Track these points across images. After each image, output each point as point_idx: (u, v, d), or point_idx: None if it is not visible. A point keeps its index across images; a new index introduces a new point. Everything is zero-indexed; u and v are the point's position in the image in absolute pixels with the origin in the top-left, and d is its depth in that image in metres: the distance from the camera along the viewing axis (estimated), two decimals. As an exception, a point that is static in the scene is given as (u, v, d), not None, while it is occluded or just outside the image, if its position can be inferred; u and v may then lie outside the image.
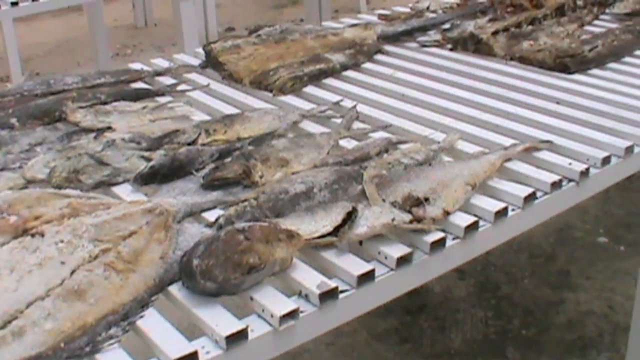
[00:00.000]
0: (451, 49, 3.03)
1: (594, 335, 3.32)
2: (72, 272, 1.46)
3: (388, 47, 3.07)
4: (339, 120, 2.34)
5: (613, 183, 2.14)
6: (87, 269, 1.47)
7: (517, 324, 3.41)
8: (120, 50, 7.57)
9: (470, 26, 3.12)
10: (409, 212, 1.71)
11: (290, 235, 1.57)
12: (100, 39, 5.78)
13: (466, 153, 2.09)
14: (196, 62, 2.97)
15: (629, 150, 2.13)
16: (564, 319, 3.43)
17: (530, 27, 3.10)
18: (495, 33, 2.98)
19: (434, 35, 3.16)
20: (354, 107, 2.40)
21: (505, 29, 3.03)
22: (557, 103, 2.45)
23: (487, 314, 3.48)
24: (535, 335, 3.34)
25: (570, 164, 2.02)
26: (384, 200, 1.73)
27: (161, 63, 3.00)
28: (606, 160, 2.07)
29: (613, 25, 3.28)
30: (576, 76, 2.71)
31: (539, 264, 3.85)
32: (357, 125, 2.32)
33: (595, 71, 2.76)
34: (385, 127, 2.29)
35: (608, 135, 2.20)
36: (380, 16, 3.49)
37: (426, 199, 1.75)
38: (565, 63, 2.72)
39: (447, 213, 1.75)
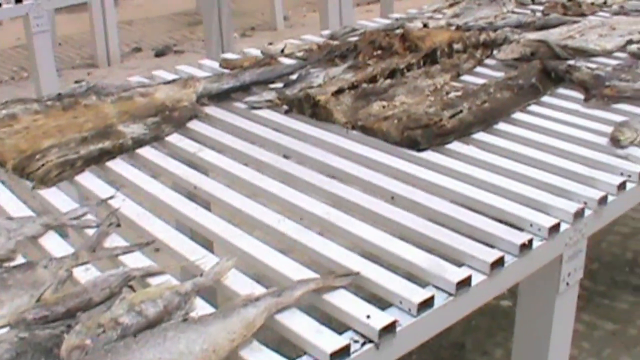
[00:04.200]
0: (287, 111, 2.41)
1: None
2: None
3: (211, 109, 2.44)
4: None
5: (434, 335, 1.55)
6: None
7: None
8: (16, 74, 6.96)
9: (319, 79, 2.51)
10: None
11: None
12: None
13: (235, 293, 1.50)
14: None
15: (464, 284, 1.54)
16: (452, 408, 2.98)
17: (388, 82, 2.46)
18: (339, 92, 2.34)
19: (265, 93, 2.49)
20: (113, 213, 1.79)
21: (353, 86, 2.39)
22: (392, 198, 1.87)
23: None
24: None
25: (368, 316, 1.42)
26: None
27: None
28: (425, 305, 1.47)
29: (498, 74, 2.67)
30: (427, 153, 2.08)
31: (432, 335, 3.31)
32: (113, 240, 1.71)
33: (455, 145, 2.13)
34: (147, 244, 1.69)
35: (435, 258, 1.60)
36: (223, 63, 2.85)
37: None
38: (414, 137, 2.09)
39: None
